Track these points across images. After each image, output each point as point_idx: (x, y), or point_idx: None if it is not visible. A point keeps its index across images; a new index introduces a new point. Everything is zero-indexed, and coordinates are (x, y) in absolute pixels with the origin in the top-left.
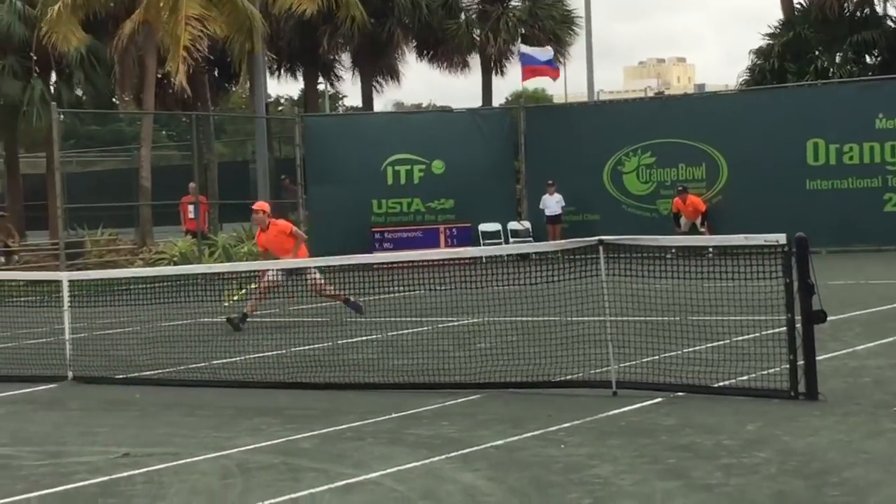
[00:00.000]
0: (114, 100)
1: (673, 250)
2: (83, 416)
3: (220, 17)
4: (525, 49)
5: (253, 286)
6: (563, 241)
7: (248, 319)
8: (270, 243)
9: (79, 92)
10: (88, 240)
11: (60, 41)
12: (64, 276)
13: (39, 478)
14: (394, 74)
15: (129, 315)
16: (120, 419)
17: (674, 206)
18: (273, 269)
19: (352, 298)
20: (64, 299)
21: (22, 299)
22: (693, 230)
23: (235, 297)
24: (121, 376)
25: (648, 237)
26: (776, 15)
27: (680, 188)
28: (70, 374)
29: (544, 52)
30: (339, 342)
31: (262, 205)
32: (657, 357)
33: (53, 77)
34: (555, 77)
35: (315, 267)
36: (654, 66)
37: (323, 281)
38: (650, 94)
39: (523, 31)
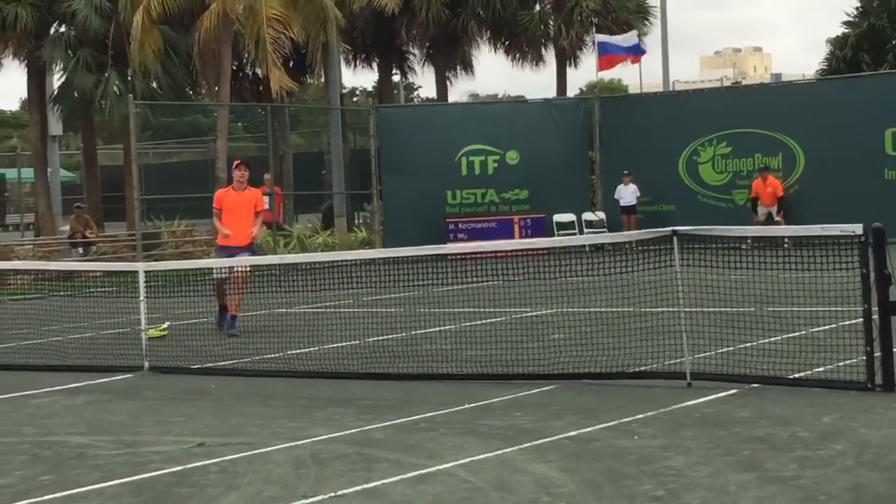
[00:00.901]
0: (188, 90)
1: (749, 241)
2: (159, 406)
3: (297, 15)
4: (602, 38)
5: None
6: (637, 231)
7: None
8: (239, 211)
9: (154, 84)
10: (165, 231)
11: (138, 49)
12: (140, 267)
13: (115, 467)
14: (468, 65)
15: (206, 306)
16: (195, 409)
17: (752, 189)
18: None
19: (237, 315)
20: (140, 289)
21: (99, 290)
22: (769, 220)
23: (155, 334)
24: (196, 366)
25: (723, 227)
26: (855, 2)
27: (761, 167)
28: (146, 364)
29: (627, 39)
30: (414, 333)
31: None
32: (732, 348)
33: (128, 70)
34: (635, 62)
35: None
36: (729, 56)
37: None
38: (726, 83)
39: (596, 22)
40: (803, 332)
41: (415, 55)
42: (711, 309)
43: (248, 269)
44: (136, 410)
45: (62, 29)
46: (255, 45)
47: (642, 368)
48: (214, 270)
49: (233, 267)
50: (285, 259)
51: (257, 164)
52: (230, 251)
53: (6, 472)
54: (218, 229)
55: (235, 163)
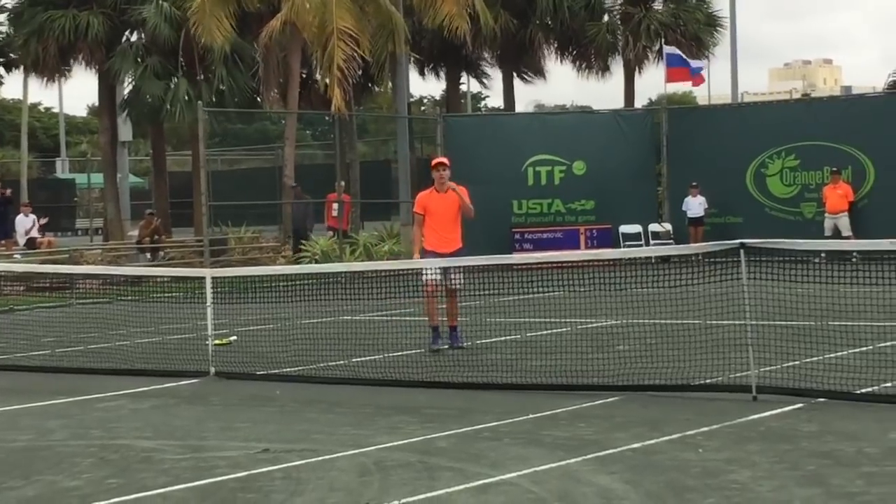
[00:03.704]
0: (257, 98)
1: (822, 255)
2: (224, 412)
3: (369, 26)
4: (670, 50)
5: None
6: (704, 243)
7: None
8: (444, 212)
9: (222, 88)
10: (232, 237)
11: (205, 34)
12: (208, 273)
13: (181, 471)
14: (536, 75)
15: (271, 312)
16: (260, 415)
17: (823, 195)
18: (431, 269)
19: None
20: (208, 296)
21: (167, 295)
22: (836, 234)
23: (217, 342)
24: (261, 372)
25: (791, 241)
26: None
27: (833, 169)
28: (212, 370)
29: (695, 60)
30: (478, 342)
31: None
32: (798, 362)
33: (197, 77)
34: (696, 84)
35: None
36: (799, 68)
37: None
38: (795, 95)
39: (664, 35)
40: (871, 346)
41: (486, 62)
42: (778, 322)
43: (461, 283)
44: (201, 415)
45: (133, 38)
46: (322, 53)
47: (707, 381)
48: (425, 278)
49: (444, 276)
50: (352, 267)
51: (324, 171)
52: (438, 258)
53: (73, 474)
54: (414, 241)
55: (434, 161)
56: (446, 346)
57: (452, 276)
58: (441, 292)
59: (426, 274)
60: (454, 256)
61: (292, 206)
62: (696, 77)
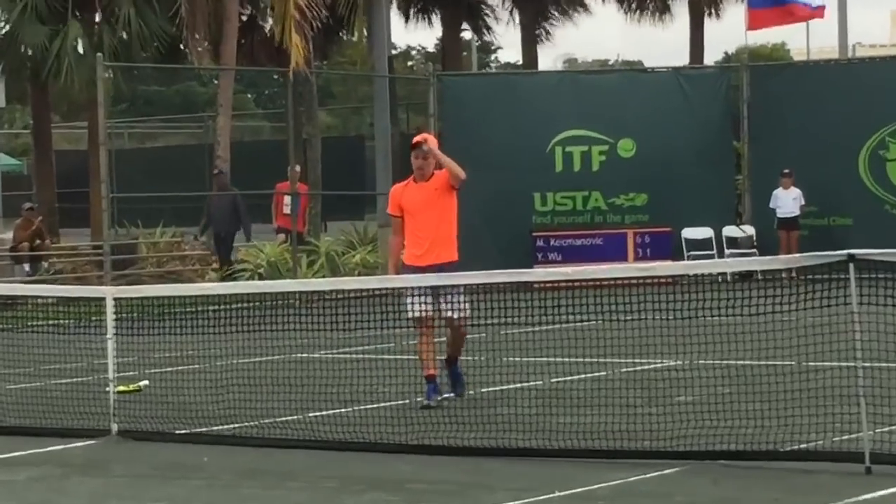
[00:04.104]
0: (181, 48)
1: None
2: (130, 486)
3: None
4: None
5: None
6: (799, 254)
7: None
8: (425, 207)
9: (127, 36)
10: (143, 242)
11: None
12: (109, 293)
13: None
14: (566, 19)
15: (197, 347)
16: (181, 491)
17: None
18: (413, 295)
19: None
20: (108, 324)
21: (52, 322)
22: None
23: (122, 389)
24: (182, 431)
25: None
26: None
27: None
28: (115, 428)
29: None
30: (483, 390)
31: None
32: None
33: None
34: (814, 16)
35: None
36: None
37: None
38: None
39: None
40: None
41: (494, 4)
42: None
43: (468, 313)
44: (99, 490)
45: None
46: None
47: (802, 446)
48: (409, 311)
49: (435, 307)
50: (308, 285)
51: (272, 151)
52: (425, 273)
53: None
54: (390, 254)
55: (414, 140)
56: (443, 398)
57: (451, 302)
58: (437, 325)
59: (411, 302)
60: (449, 267)
61: (211, 202)
62: (813, 9)
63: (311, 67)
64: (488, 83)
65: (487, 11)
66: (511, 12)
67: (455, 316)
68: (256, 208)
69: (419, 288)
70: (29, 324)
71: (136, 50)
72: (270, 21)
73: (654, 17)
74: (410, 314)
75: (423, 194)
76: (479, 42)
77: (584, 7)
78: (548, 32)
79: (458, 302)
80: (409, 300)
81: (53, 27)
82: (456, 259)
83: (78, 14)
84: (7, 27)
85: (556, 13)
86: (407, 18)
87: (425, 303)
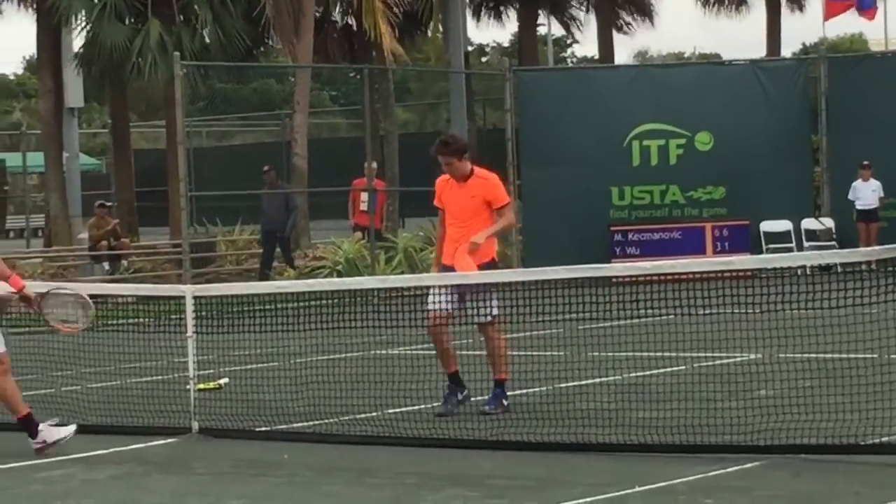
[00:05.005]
0: (254, 51)
1: None
2: (211, 483)
3: None
4: None
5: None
6: (880, 247)
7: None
8: (459, 210)
9: (206, 37)
10: (222, 240)
11: None
12: (188, 291)
13: None
14: (644, 13)
15: (276, 345)
16: (260, 487)
17: None
18: (435, 294)
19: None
20: (188, 322)
21: (131, 321)
22: None
23: (202, 387)
24: (263, 429)
25: None
26: None
27: None
28: (195, 426)
29: None
30: (561, 385)
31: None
32: None
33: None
34: (868, 17)
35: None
36: None
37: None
38: None
39: None
40: None
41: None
42: None
43: (495, 311)
44: (179, 488)
45: None
46: None
47: (884, 440)
48: (430, 310)
49: (459, 308)
50: (386, 281)
51: (349, 148)
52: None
53: None
54: (437, 248)
55: (438, 142)
56: (460, 399)
57: (476, 307)
58: (454, 324)
59: (431, 300)
60: (479, 271)
61: (264, 200)
62: (867, 9)
63: (393, 62)
64: (565, 78)
65: (573, 2)
66: (587, 8)
67: (481, 321)
68: (336, 207)
69: (440, 287)
70: (109, 323)
71: (213, 49)
72: (343, 17)
73: (732, 9)
74: (428, 307)
75: (460, 197)
76: (558, 36)
77: (649, 16)
78: (627, 24)
79: (484, 305)
80: (431, 296)
81: (133, 26)
82: (489, 259)
83: (156, 10)
84: (87, 28)
85: (634, 14)
86: (478, 17)
87: (442, 303)
